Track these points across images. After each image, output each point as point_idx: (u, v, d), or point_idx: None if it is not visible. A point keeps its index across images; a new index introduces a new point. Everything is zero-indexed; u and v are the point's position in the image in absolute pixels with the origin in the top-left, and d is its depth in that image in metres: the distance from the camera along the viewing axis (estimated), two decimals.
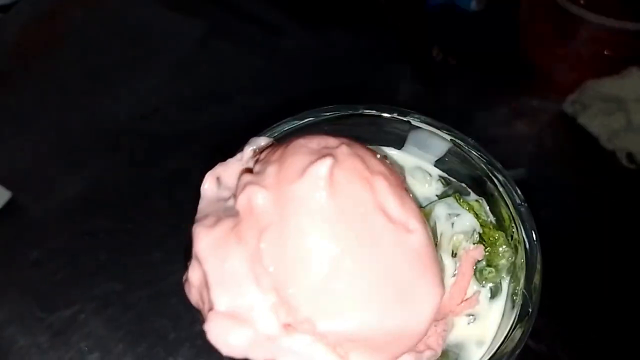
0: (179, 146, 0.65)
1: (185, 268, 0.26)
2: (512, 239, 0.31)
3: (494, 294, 0.31)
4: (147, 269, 0.62)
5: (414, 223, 0.25)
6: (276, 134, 0.33)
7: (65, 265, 0.62)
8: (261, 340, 0.24)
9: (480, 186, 0.34)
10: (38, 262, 0.61)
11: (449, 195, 0.33)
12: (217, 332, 0.24)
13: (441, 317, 0.28)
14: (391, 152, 0.36)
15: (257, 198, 0.24)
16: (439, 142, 0.34)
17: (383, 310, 0.24)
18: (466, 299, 0.30)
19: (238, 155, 0.28)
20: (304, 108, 0.36)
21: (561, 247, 0.63)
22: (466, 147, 0.33)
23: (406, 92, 0.67)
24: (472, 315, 0.30)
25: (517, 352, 0.27)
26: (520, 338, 0.28)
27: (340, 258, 0.23)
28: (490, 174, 0.32)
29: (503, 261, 0.30)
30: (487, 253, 0.31)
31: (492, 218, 0.33)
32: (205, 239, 0.25)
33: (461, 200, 0.33)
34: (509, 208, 0.31)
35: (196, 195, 0.30)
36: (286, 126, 0.33)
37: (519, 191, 0.31)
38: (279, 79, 0.70)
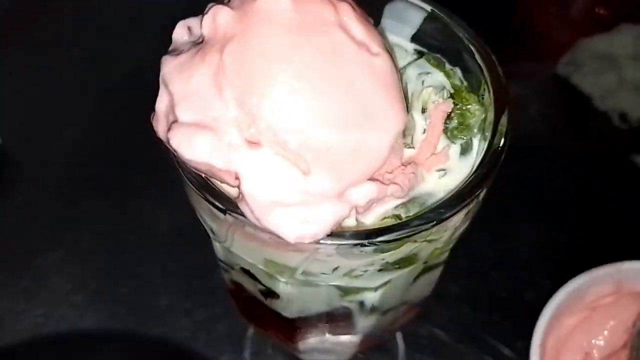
0: None
1: None
2: (483, 98, 0.31)
3: (464, 149, 0.31)
4: (136, 215, 0.62)
5: (378, 48, 0.25)
6: None
7: (52, 210, 0.61)
8: (223, 146, 0.24)
9: (459, 60, 0.33)
10: (24, 206, 0.61)
11: (421, 57, 0.33)
12: (180, 137, 0.24)
13: (408, 163, 0.28)
14: None
15: (221, 16, 0.25)
16: (416, 12, 0.33)
17: (344, 122, 0.24)
18: (436, 154, 0.30)
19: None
20: None
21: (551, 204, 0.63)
22: (446, 18, 0.32)
23: None
24: (444, 169, 0.30)
25: (480, 193, 0.27)
26: (484, 174, 0.27)
27: (301, 67, 0.24)
28: (471, 47, 0.31)
29: (474, 119, 0.30)
30: (458, 112, 0.31)
31: (465, 84, 0.33)
32: (171, 63, 0.25)
33: (432, 61, 0.33)
34: (486, 81, 0.30)
35: None
36: None
37: (501, 72, 0.31)
38: None
